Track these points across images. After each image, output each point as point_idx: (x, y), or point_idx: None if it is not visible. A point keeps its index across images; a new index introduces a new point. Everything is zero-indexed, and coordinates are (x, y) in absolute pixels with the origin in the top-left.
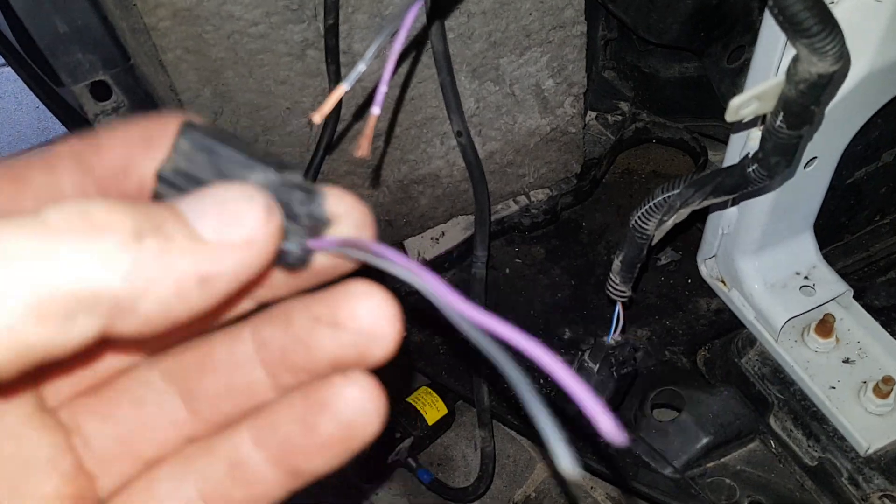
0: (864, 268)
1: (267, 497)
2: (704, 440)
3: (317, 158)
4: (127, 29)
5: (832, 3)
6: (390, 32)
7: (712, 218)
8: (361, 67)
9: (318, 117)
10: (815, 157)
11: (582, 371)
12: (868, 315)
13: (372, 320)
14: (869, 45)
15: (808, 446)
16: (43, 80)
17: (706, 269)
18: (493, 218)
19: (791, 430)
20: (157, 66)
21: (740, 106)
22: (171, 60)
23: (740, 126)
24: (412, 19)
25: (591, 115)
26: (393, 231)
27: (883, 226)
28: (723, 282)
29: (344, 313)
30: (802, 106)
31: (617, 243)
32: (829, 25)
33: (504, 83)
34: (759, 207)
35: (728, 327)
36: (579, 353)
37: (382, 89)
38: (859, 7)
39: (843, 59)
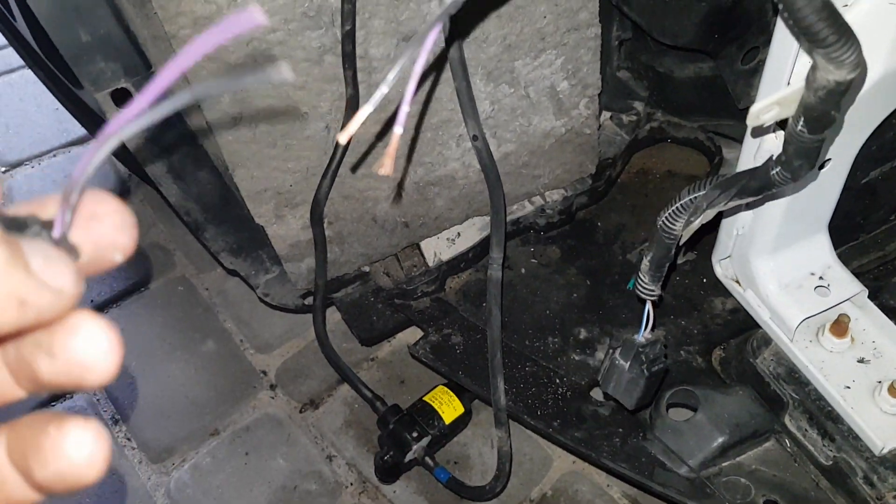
0: (879, 267)
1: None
2: (720, 439)
3: (334, 162)
4: (148, 37)
5: (845, 6)
6: (412, 55)
7: (727, 219)
8: (384, 90)
9: (343, 138)
10: (830, 159)
11: (613, 368)
12: (883, 315)
13: (84, 353)
14: (883, 48)
15: (824, 446)
16: (62, 82)
17: (721, 270)
18: (508, 218)
19: (806, 430)
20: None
21: (761, 111)
22: (190, 68)
23: (760, 130)
24: (433, 41)
25: (606, 115)
26: (409, 232)
27: None
28: (738, 282)
29: (58, 344)
30: (823, 111)
31: (632, 243)
32: (845, 34)
33: (519, 85)
34: (773, 208)
35: (743, 327)
36: (610, 350)
37: (405, 109)
38: (872, 10)
39: (861, 66)
